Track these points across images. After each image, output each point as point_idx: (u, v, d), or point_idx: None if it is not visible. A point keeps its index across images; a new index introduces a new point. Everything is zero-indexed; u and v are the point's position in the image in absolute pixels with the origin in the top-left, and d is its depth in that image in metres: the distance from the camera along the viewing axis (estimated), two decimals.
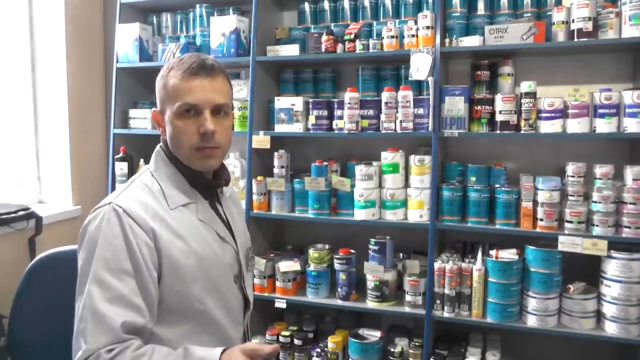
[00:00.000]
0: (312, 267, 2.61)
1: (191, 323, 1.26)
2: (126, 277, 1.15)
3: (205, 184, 1.35)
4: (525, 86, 2.27)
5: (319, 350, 2.62)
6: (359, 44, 2.51)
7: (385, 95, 2.45)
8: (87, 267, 1.16)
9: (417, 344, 2.48)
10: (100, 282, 1.14)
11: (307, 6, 2.83)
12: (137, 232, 1.18)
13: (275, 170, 2.69)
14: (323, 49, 2.57)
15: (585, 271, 2.29)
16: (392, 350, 2.47)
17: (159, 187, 1.29)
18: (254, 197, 2.67)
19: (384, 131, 2.47)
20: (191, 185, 1.32)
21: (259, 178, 2.66)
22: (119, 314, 1.12)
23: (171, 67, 1.29)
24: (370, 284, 2.49)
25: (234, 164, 2.83)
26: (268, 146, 2.64)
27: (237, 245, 1.39)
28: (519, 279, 2.28)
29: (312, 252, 2.63)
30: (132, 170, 2.91)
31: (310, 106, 2.61)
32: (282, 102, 2.65)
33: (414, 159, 2.44)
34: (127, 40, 2.92)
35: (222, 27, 2.72)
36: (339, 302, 2.57)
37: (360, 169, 2.48)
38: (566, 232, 2.20)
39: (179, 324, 1.25)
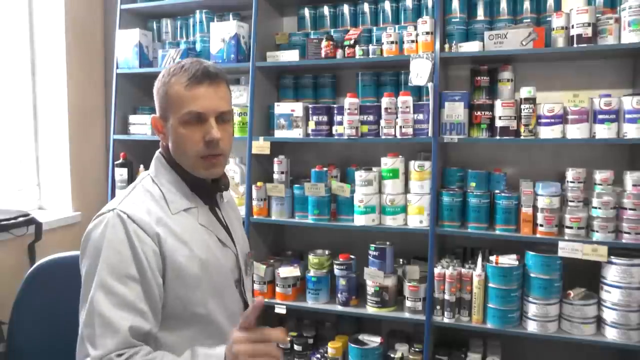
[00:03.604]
0: (312, 272, 2.61)
1: (194, 328, 1.26)
2: (131, 282, 1.15)
3: (205, 188, 1.36)
4: (524, 92, 2.27)
5: (318, 356, 2.62)
6: (358, 50, 2.51)
7: (385, 101, 2.45)
8: (91, 274, 1.16)
9: (417, 349, 2.47)
10: (106, 288, 1.14)
11: (307, 12, 2.83)
12: (142, 237, 1.18)
13: (275, 176, 2.69)
14: (323, 55, 2.57)
15: (585, 277, 2.29)
16: (392, 356, 2.47)
17: (160, 192, 1.29)
18: (254, 202, 2.67)
19: (383, 137, 2.48)
20: (191, 190, 1.33)
21: (258, 184, 2.66)
22: (126, 319, 1.12)
23: (172, 74, 1.27)
24: (370, 289, 2.49)
25: (233, 169, 2.83)
26: (268, 152, 2.64)
27: (237, 250, 1.40)
28: (519, 284, 2.28)
29: (312, 258, 2.63)
30: (132, 176, 2.91)
31: (310, 112, 2.61)
32: (281, 108, 2.65)
33: (413, 165, 2.45)
34: (127, 46, 2.93)
35: (222, 32, 2.73)
36: (339, 308, 2.57)
37: (360, 175, 2.48)
38: (566, 237, 2.20)
39: (181, 328, 1.25)
